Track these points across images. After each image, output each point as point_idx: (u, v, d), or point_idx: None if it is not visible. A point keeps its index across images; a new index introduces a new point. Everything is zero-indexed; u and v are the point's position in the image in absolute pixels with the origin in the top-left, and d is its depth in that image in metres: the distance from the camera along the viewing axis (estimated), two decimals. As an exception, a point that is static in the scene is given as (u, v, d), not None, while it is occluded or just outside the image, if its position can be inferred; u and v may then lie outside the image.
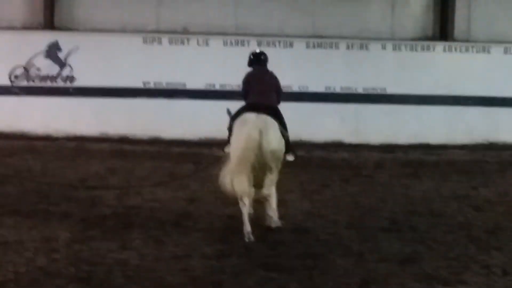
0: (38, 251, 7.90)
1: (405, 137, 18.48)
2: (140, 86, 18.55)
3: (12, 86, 18.48)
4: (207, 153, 14.24)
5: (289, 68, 18.46)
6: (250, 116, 9.05)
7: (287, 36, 19.10)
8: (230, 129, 9.56)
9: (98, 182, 12.02)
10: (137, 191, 11.34)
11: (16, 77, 18.53)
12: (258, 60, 10.21)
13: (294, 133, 17.94)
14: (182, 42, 18.89)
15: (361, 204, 11.23)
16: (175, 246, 8.26)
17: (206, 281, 7.05)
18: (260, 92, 9.63)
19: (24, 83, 18.55)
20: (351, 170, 14.61)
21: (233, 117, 9.56)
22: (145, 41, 18.82)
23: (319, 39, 19.09)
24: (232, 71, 18.48)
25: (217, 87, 18.62)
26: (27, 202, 10.47)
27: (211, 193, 11.17)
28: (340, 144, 18.08)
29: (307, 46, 19.05)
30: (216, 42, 18.88)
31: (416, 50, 19.19)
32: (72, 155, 14.57)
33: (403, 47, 19.19)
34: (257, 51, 10.62)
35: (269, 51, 18.16)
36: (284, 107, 17.48)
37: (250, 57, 10.31)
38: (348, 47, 19.14)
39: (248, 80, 9.90)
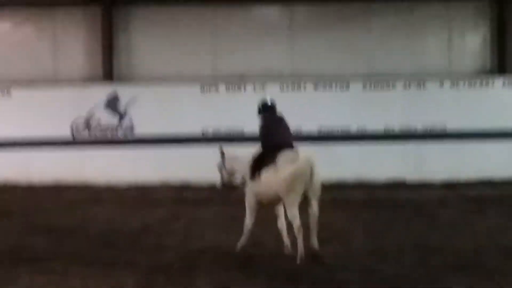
0: (105, 299, 7.96)
1: (467, 174, 18.24)
2: (199, 134, 18.73)
3: (74, 138, 18.83)
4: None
5: (347, 109, 18.57)
6: (294, 153, 9.92)
7: (344, 76, 19.12)
8: (222, 166, 10.82)
9: (162, 229, 12.09)
10: (201, 236, 11.37)
11: (77, 129, 18.89)
12: (270, 107, 10.76)
13: (355, 174, 18.07)
14: (239, 89, 19.03)
15: (426, 242, 11.01)
16: (240, 290, 8.24)
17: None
18: (283, 134, 10.42)
19: (85, 134, 18.89)
20: (414, 209, 14.43)
21: (261, 158, 10.16)
22: (202, 89, 19.03)
23: (376, 79, 19.06)
24: (290, 115, 18.59)
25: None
26: (92, 251, 10.58)
27: (273, 236, 11.16)
28: (402, 183, 17.89)
29: (364, 87, 19.04)
30: (273, 87, 18.96)
31: (474, 85, 19.01)
32: (135, 203, 14.69)
33: (461, 83, 19.03)
34: (265, 100, 10.95)
35: (326, 93, 18.64)
36: (344, 148, 17.59)
37: (261, 105, 10.82)
38: (405, 86, 19.07)
39: (267, 124, 10.50)
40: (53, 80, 19.54)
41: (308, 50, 19.72)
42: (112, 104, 19.09)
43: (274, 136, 10.30)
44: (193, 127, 18.82)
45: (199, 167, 18.28)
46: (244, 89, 19.11)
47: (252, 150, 10.61)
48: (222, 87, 19.14)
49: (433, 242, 11.01)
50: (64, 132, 18.86)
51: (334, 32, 19.84)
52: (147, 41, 19.96)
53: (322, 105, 18.88)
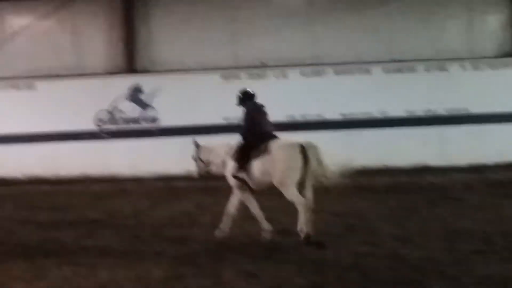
0: (134, 291, 8.00)
1: (491, 157, 18.14)
2: (221, 122, 18.76)
3: (98, 130, 18.94)
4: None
5: (368, 94, 18.53)
6: (289, 141, 10.46)
7: (364, 62, 19.07)
8: (197, 157, 11.44)
9: (188, 219, 12.14)
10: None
11: (101, 121, 19.00)
12: (250, 97, 11.23)
13: (378, 159, 18.01)
14: (260, 76, 19.03)
15: (452, 227, 10.99)
16: (268, 279, 8.24)
17: (302, 313, 7.01)
18: (267, 123, 10.96)
19: (109, 126, 19.00)
20: (439, 193, 14.39)
21: (246, 147, 10.64)
22: (224, 78, 19.06)
23: (397, 63, 18.99)
24: (311, 101, 18.65)
25: (298, 118, 18.67)
26: (120, 243, 10.68)
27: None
28: (425, 167, 17.82)
29: (385, 72, 18.97)
30: (293, 74, 19.00)
31: (496, 67, 18.88)
32: (161, 194, 14.81)
33: (482, 65, 18.92)
34: (246, 89, 11.36)
35: (347, 79, 18.61)
36: (366, 134, 17.54)
37: (242, 95, 11.28)
38: (426, 70, 18.98)
39: (252, 114, 10.92)
40: (76, 73, 19.62)
41: (328, 35, 19.66)
42: (135, 95, 19.17)
43: (259, 125, 10.80)
44: (215, 116, 18.86)
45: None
46: (266, 76, 19.12)
47: (226, 141, 11.25)
48: (243, 75, 19.16)
49: (459, 226, 10.98)
50: (89, 124, 18.97)
51: (354, 16, 19.73)
52: (168, 31, 19.98)
53: (343, 91, 18.86)
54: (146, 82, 19.32)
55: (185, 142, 18.31)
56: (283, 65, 19.30)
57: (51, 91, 19.20)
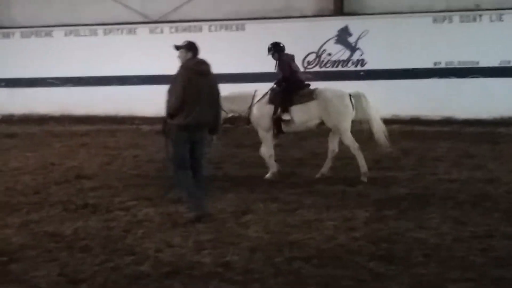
0: (338, 229, 8.01)
1: None
2: (431, 67, 18.30)
3: (305, 72, 19.06)
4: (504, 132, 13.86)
5: None
6: (339, 90, 11.52)
7: None
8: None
9: (393, 163, 11.99)
10: (432, 171, 11.16)
11: (309, 63, 19.12)
12: (282, 49, 11.74)
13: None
14: (474, 19, 18.31)
15: None
16: (475, 226, 7.97)
17: (510, 262, 6.72)
18: (300, 72, 12.23)
19: (316, 68, 19.07)
20: None
21: (286, 92, 11.31)
22: (435, 21, 18.50)
23: None
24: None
25: (514, 64, 17.88)
26: (324, 183, 10.72)
27: (510, 173, 10.77)
28: None
29: None
30: (510, 17, 18.08)
31: None
32: (367, 137, 14.65)
33: None
34: (277, 42, 11.86)
35: None
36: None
37: (274, 46, 11.74)
38: None
39: (289, 64, 11.63)
40: (285, 15, 19.76)
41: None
42: (343, 38, 19.08)
43: (296, 73, 11.65)
44: (424, 60, 18.41)
45: (430, 101, 17.91)
46: (480, 19, 18.33)
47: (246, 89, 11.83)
48: (456, 18, 18.48)
49: None
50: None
51: None
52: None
53: None
54: (354, 25, 19.13)
55: (392, 85, 18.27)
56: (499, 8, 18.37)
57: (259, 33, 19.43)
